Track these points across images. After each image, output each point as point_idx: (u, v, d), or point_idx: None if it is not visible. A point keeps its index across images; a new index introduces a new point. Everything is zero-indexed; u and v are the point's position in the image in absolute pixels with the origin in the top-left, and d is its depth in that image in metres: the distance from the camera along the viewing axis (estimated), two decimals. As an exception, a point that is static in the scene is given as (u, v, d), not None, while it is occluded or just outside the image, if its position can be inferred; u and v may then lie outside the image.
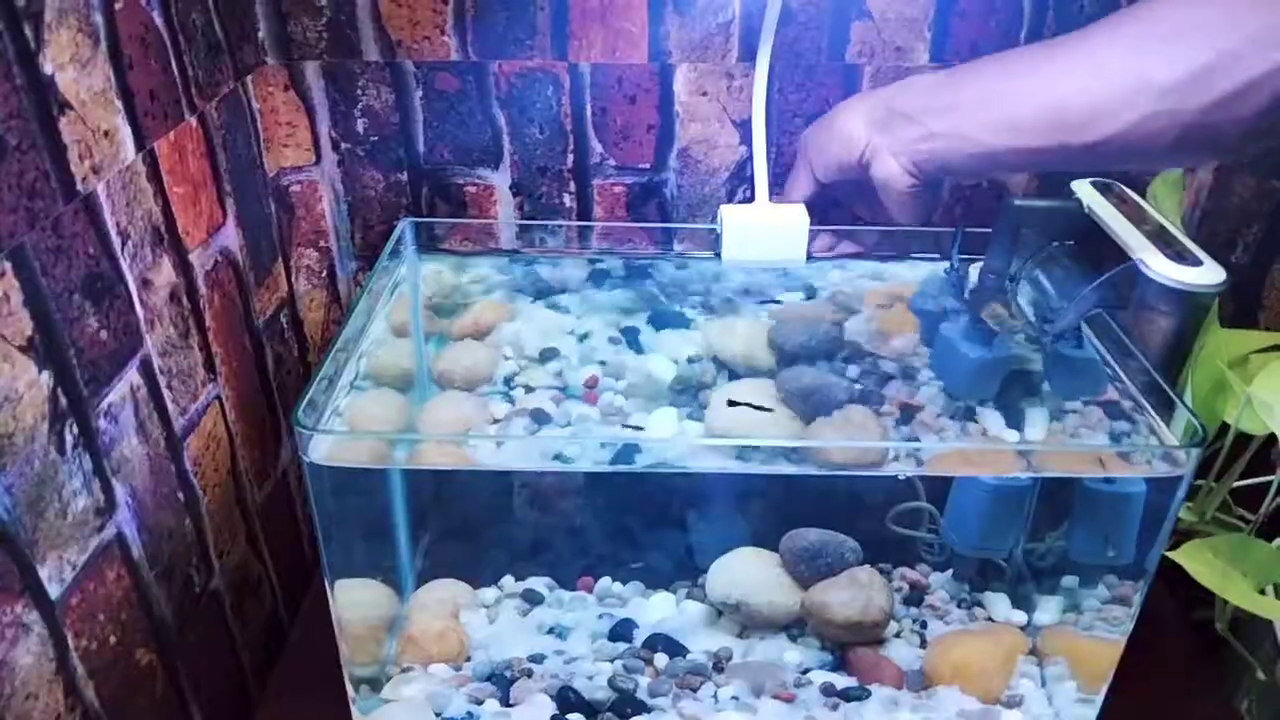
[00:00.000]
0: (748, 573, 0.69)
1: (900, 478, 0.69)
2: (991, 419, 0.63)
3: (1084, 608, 0.67)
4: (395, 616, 0.72)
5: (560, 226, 0.78)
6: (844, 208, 0.73)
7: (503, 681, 0.66)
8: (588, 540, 0.77)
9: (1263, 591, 0.62)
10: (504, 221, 0.80)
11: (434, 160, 0.78)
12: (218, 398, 0.69)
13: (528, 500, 0.77)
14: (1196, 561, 0.61)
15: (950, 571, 0.74)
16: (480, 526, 0.78)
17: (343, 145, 0.77)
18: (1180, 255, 0.56)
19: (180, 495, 0.64)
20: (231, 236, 0.71)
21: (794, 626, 0.70)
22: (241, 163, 0.72)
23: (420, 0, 0.72)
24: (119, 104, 0.55)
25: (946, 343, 0.66)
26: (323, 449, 0.55)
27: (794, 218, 0.72)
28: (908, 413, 0.63)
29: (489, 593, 0.74)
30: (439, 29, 0.73)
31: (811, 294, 0.76)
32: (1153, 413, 0.58)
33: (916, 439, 0.62)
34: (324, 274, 0.82)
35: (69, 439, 0.51)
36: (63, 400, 0.51)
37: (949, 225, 0.72)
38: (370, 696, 0.66)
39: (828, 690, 0.65)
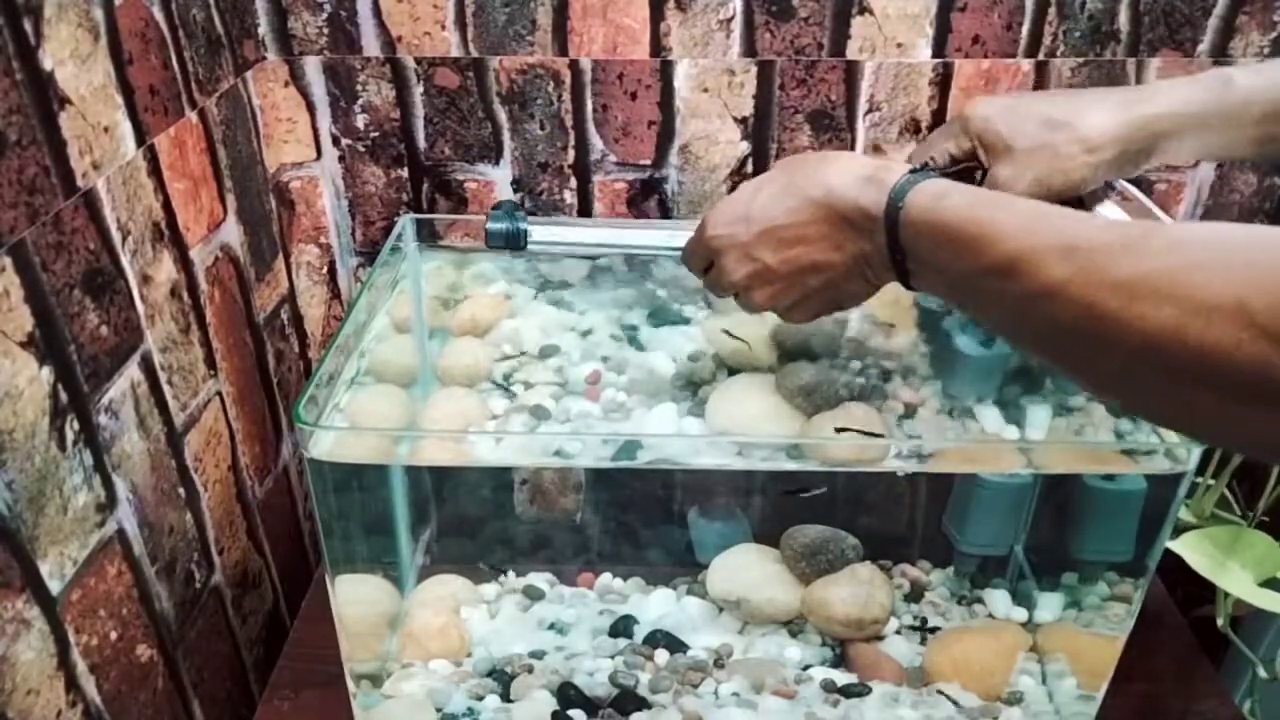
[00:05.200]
0: (748, 569, 0.69)
1: (900, 474, 0.69)
2: (990, 416, 0.63)
3: (1084, 605, 0.67)
4: (396, 612, 0.72)
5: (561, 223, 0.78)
6: None
7: (503, 677, 0.66)
8: (588, 536, 0.78)
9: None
10: (505, 217, 0.79)
11: (435, 156, 0.78)
12: (218, 394, 0.69)
13: (528, 496, 0.77)
14: (1196, 552, 0.61)
15: (951, 568, 0.74)
16: (481, 522, 0.78)
17: (343, 141, 0.77)
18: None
19: (181, 491, 0.64)
20: (232, 232, 0.70)
21: (794, 623, 0.70)
22: (242, 159, 0.72)
23: (421, -4, 0.72)
24: (119, 99, 0.55)
25: (947, 340, 0.66)
26: (324, 445, 0.55)
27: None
28: (910, 409, 0.63)
29: (490, 588, 0.74)
30: (439, 24, 0.73)
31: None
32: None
33: (918, 435, 0.62)
34: (325, 270, 0.82)
35: (70, 435, 0.51)
36: (63, 396, 0.51)
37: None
38: (371, 692, 0.66)
39: (828, 686, 0.65)
